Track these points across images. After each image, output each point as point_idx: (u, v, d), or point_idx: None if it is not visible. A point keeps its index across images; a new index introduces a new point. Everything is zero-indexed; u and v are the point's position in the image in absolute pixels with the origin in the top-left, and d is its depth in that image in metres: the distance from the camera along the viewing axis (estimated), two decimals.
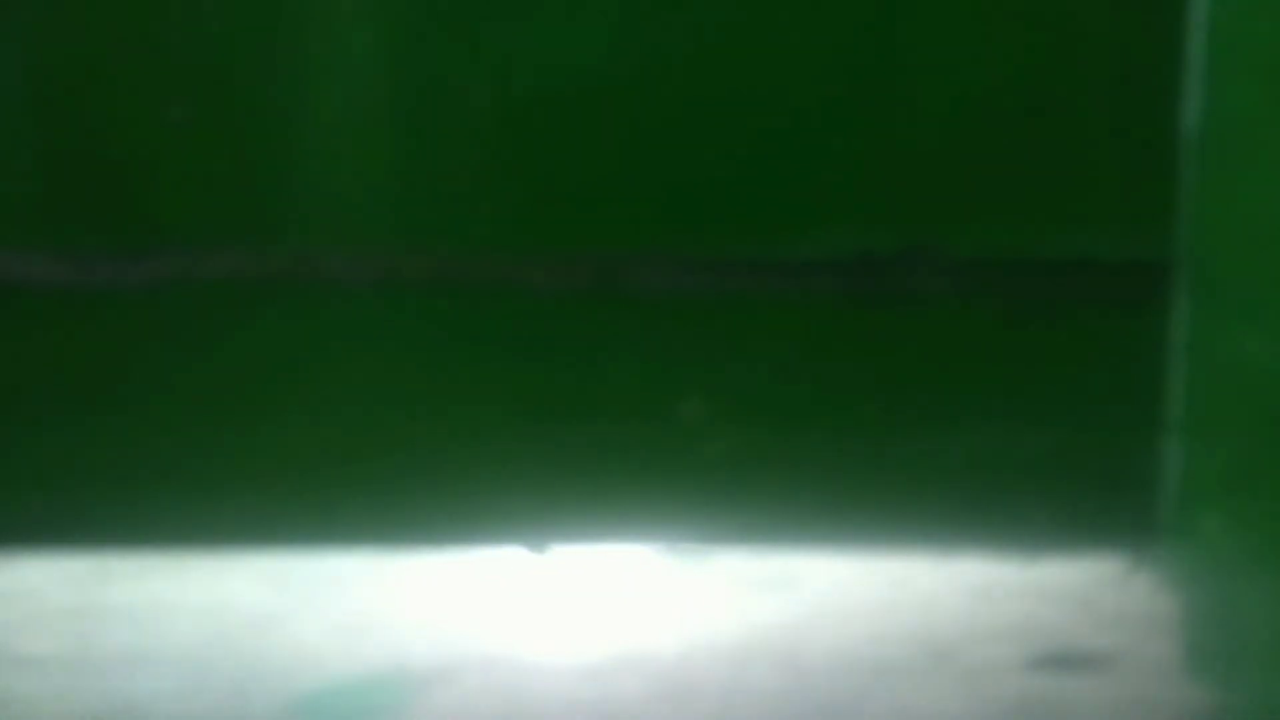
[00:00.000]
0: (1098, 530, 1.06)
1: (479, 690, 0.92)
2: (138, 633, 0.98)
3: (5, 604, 1.02)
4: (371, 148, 1.03)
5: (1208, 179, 0.98)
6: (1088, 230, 1.04)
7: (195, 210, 1.03)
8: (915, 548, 1.07)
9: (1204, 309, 0.99)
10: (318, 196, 1.03)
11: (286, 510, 1.05)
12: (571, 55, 1.02)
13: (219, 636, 0.98)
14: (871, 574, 1.06)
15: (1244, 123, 0.93)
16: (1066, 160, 1.04)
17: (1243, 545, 0.91)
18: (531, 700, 0.91)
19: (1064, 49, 1.03)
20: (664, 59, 1.03)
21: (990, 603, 1.03)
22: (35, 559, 1.05)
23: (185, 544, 1.05)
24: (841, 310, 1.05)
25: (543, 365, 1.05)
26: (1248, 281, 0.92)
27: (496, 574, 1.06)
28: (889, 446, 1.06)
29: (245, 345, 1.04)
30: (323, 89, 1.02)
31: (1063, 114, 1.03)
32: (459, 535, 1.06)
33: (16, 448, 1.04)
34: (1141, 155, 1.03)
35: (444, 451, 1.05)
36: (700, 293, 1.04)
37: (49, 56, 1.01)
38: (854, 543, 1.07)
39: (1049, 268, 1.04)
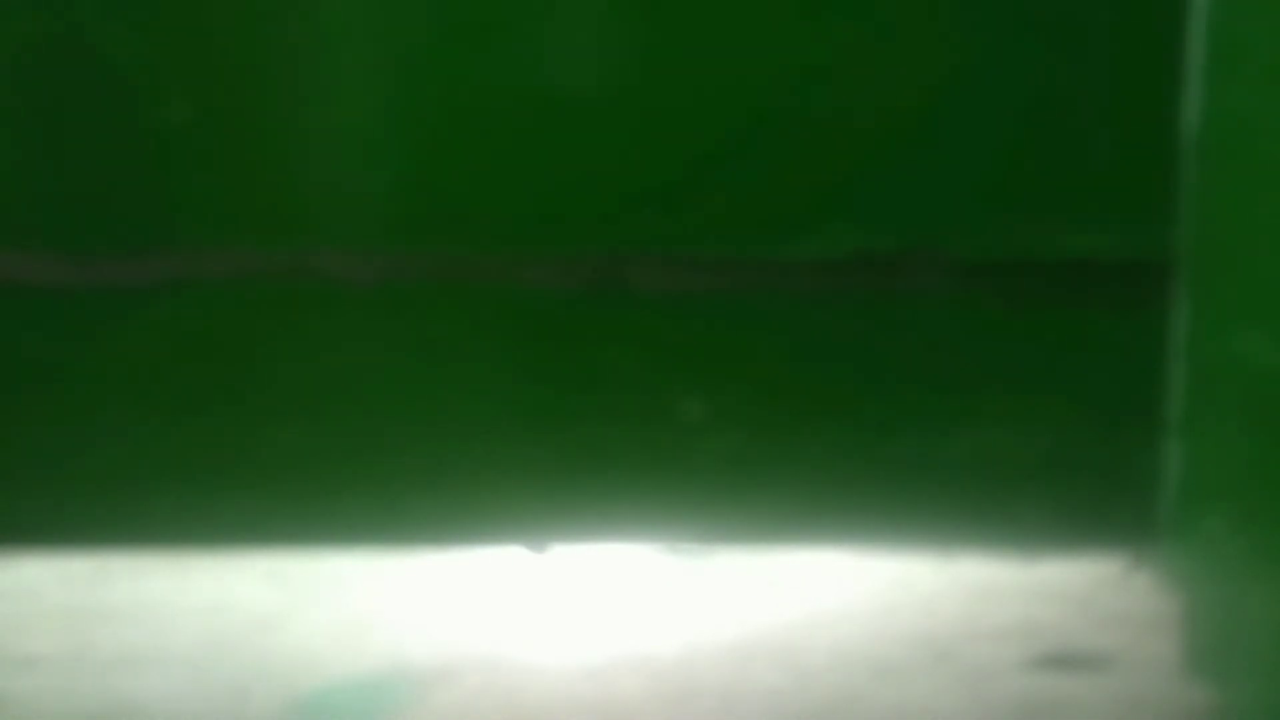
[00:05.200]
0: (1098, 530, 1.06)
1: (479, 690, 0.92)
2: (138, 633, 0.98)
3: (5, 604, 1.02)
4: (372, 148, 1.03)
5: (1208, 179, 0.98)
6: (1088, 230, 1.04)
7: (195, 210, 1.03)
8: (915, 548, 1.07)
9: (1204, 309, 0.99)
10: (318, 196, 1.03)
11: (286, 510, 1.05)
12: (571, 56, 1.03)
13: (219, 636, 0.98)
14: (871, 574, 1.06)
15: (1244, 123, 0.93)
16: (1066, 160, 1.04)
17: (1243, 545, 0.91)
18: (531, 700, 0.91)
19: (1064, 49, 1.03)
20: (664, 59, 1.03)
21: (990, 603, 1.03)
22: (35, 559, 1.05)
23: (185, 544, 1.05)
24: (841, 310, 1.05)
25: (543, 365, 1.05)
26: (1248, 281, 0.92)
27: (496, 574, 1.06)
28: (889, 446, 1.06)
29: (245, 345, 1.04)
30: (323, 89, 1.02)
31: (1063, 114, 1.03)
32: (459, 535, 1.06)
33: (16, 447, 1.04)
34: (1141, 155, 1.03)
35: (444, 451, 1.05)
36: (700, 293, 1.05)
37: (49, 56, 1.01)
38: (854, 543, 1.07)
39: (1049, 268, 1.05)
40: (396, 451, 1.05)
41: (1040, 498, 1.06)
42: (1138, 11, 1.02)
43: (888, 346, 1.05)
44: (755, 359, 1.05)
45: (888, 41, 1.03)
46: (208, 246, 1.03)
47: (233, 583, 1.04)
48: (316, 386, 1.05)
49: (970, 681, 0.93)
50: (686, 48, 1.03)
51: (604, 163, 1.03)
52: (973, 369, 1.05)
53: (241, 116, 1.02)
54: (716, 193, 1.04)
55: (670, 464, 1.06)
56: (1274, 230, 0.89)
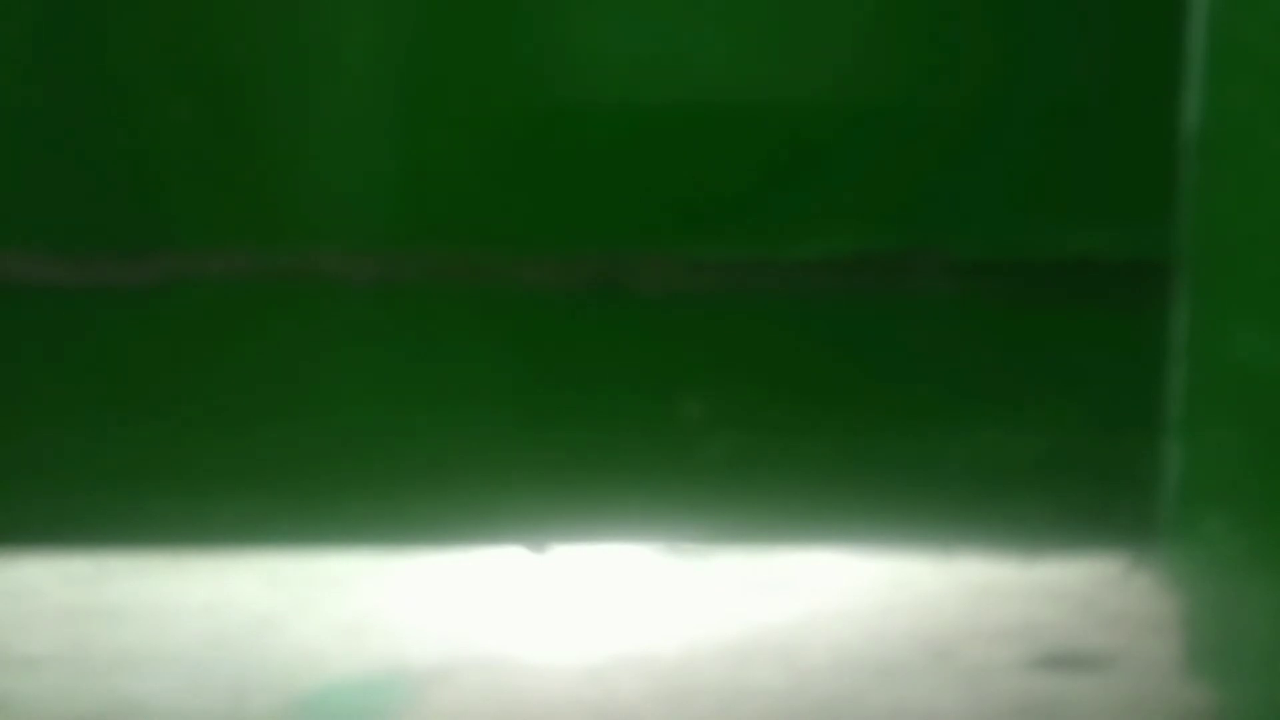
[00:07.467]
0: (1098, 530, 1.06)
1: (479, 690, 0.92)
2: (138, 633, 0.98)
3: (5, 604, 1.02)
4: (372, 148, 1.03)
5: (1208, 179, 0.98)
6: (1088, 230, 1.04)
7: (195, 210, 1.03)
8: (915, 548, 1.07)
9: (1204, 309, 0.99)
10: (318, 196, 1.03)
11: (286, 510, 1.05)
12: (571, 55, 1.03)
13: (219, 636, 0.98)
14: (871, 574, 1.06)
15: (1244, 123, 0.93)
16: (1067, 160, 1.04)
17: (1243, 545, 0.91)
18: (531, 700, 0.91)
19: (1064, 49, 1.03)
20: (664, 60, 1.03)
21: (990, 603, 1.03)
22: (35, 559, 1.05)
23: (185, 544, 1.05)
24: (841, 310, 1.05)
25: (543, 365, 1.05)
26: (1248, 281, 0.92)
27: (496, 574, 1.06)
28: (889, 446, 1.06)
29: (245, 345, 1.04)
30: (323, 89, 1.02)
31: (1063, 114, 1.03)
32: (459, 535, 1.06)
33: (16, 448, 1.04)
34: (1141, 155, 1.03)
35: (444, 451, 1.05)
36: (700, 293, 1.05)
37: (49, 56, 1.01)
38: (854, 543, 1.07)
39: (1049, 268, 1.05)
40: (396, 451, 1.05)
41: (1040, 498, 1.06)
42: (1138, 11, 1.02)
43: (888, 346, 1.05)
44: (755, 359, 1.05)
45: (887, 42, 1.03)
46: (207, 246, 1.03)
47: (232, 583, 1.04)
48: (316, 386, 1.05)
49: (970, 681, 0.93)
50: (687, 49, 1.03)
51: (604, 162, 1.03)
52: (973, 369, 1.05)
53: (241, 117, 1.02)
54: (717, 192, 1.04)
55: (670, 464, 1.06)
56: (1274, 230, 0.89)
